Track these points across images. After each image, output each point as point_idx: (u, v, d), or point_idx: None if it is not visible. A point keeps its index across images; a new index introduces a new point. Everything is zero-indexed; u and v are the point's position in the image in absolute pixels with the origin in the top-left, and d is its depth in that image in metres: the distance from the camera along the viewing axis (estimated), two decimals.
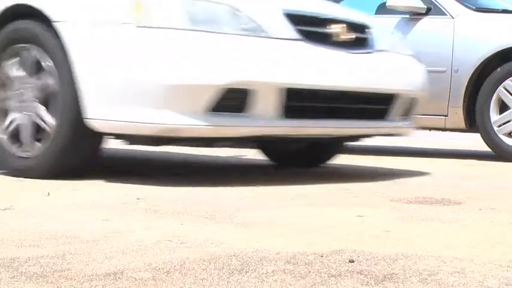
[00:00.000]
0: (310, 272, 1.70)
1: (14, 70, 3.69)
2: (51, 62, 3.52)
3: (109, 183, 3.41)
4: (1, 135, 3.70)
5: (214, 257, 1.84)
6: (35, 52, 3.59)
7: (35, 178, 3.51)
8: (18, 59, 3.68)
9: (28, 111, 3.60)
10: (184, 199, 2.88)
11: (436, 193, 3.41)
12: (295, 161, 4.72)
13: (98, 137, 3.52)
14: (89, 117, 3.36)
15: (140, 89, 3.21)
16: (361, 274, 1.69)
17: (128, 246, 1.95)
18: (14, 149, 3.65)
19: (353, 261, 1.81)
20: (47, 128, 3.52)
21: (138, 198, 2.87)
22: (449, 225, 2.38)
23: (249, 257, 1.84)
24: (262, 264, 1.77)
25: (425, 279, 1.66)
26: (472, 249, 2.00)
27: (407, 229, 2.29)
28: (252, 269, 1.72)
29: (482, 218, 2.54)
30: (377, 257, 1.86)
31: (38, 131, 3.58)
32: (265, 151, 4.81)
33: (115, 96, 3.28)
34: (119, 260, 1.79)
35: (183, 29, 3.25)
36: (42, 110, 3.56)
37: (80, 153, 3.57)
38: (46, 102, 3.56)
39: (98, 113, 3.34)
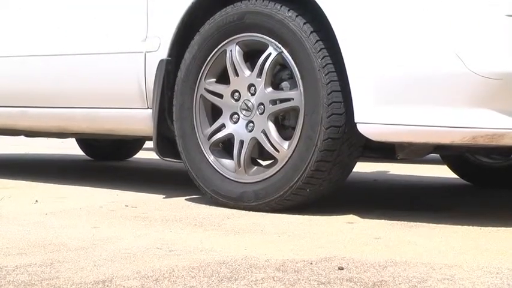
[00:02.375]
0: (299, 279, 1.70)
1: (241, 63, 2.85)
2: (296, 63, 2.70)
3: (97, 190, 3.39)
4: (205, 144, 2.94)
5: (203, 264, 1.83)
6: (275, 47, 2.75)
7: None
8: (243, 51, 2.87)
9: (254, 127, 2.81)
10: (173, 206, 2.87)
11: (425, 200, 3.42)
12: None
13: (357, 150, 2.71)
14: (358, 120, 2.54)
15: (439, 81, 2.42)
16: (351, 281, 1.69)
17: (116, 254, 1.94)
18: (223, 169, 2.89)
19: (342, 269, 1.81)
20: (275, 153, 2.75)
21: (126, 205, 2.86)
22: (438, 232, 2.38)
23: (239, 265, 1.83)
24: (252, 272, 1.76)
25: (415, 286, 1.66)
26: (461, 256, 2.00)
27: (397, 236, 2.30)
28: (241, 277, 1.71)
29: (471, 224, 2.54)
30: (366, 264, 1.86)
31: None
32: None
33: (396, 92, 2.48)
34: (108, 268, 1.79)
35: None
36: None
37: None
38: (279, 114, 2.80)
39: (369, 115, 2.52)
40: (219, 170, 2.87)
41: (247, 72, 2.82)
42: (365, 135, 2.56)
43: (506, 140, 2.44)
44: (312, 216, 2.64)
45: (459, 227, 2.50)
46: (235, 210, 2.77)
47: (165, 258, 1.90)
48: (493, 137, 2.43)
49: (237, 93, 2.85)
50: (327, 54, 2.62)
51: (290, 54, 2.70)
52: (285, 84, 2.77)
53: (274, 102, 2.76)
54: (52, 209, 2.76)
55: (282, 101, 2.74)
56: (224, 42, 2.87)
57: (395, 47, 2.48)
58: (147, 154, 6.25)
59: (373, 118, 2.51)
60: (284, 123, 2.80)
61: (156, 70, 3.03)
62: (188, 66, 2.95)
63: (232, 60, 2.84)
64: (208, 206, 2.87)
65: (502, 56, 2.39)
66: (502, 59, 2.38)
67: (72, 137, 4.35)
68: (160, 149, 3.05)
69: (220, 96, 2.89)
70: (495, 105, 2.41)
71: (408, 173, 4.89)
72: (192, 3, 2.93)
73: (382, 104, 2.50)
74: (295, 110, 2.72)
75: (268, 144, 2.75)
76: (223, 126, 2.89)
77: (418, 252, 2.04)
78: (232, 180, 2.83)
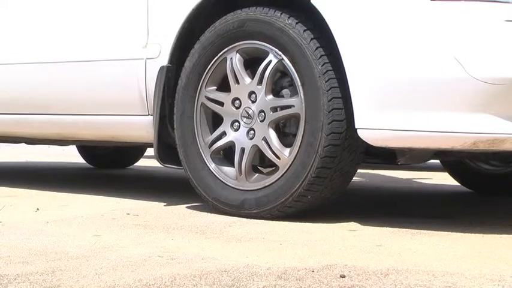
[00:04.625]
0: (301, 287, 1.70)
1: (241, 71, 2.85)
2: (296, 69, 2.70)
3: (98, 198, 3.39)
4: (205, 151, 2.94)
5: (205, 272, 1.83)
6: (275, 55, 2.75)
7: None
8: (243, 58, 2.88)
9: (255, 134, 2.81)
10: (174, 214, 2.87)
11: (426, 207, 3.42)
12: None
13: (358, 156, 2.71)
14: (358, 126, 2.54)
15: (440, 87, 2.42)
16: None
17: (118, 262, 1.94)
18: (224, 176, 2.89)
19: (344, 276, 1.81)
20: (276, 160, 2.75)
21: (128, 213, 2.86)
22: (439, 239, 2.38)
23: (240, 273, 1.83)
24: (253, 280, 1.76)
25: None
26: (463, 264, 1.99)
27: (398, 243, 2.29)
28: (243, 285, 1.71)
29: (473, 232, 2.54)
30: (368, 272, 1.86)
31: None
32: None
33: (397, 97, 2.48)
34: (109, 276, 1.78)
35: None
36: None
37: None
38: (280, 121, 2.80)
39: (369, 121, 2.51)
40: (220, 178, 2.87)
41: (248, 80, 2.82)
42: (365, 140, 2.56)
43: (507, 145, 2.43)
44: (313, 224, 2.63)
45: (461, 234, 2.49)
46: (236, 218, 2.77)
47: (167, 267, 1.89)
48: (493, 142, 2.42)
49: (237, 101, 2.85)
50: (327, 61, 2.62)
51: (290, 62, 2.70)
52: (285, 91, 2.77)
53: (275, 109, 2.76)
54: (53, 217, 2.76)
55: (283, 108, 2.74)
56: (224, 50, 2.87)
57: (395, 53, 2.49)
58: (148, 162, 6.25)
59: (373, 124, 2.51)
60: (285, 130, 2.80)
61: (157, 77, 3.04)
62: (189, 74, 2.95)
63: (232, 67, 2.85)
64: (209, 213, 2.87)
65: (502, 61, 2.39)
66: (502, 64, 2.39)
67: (73, 144, 4.36)
68: (161, 155, 3.06)
69: (221, 104, 2.89)
70: (495, 110, 2.41)
71: (409, 180, 4.88)
72: (193, 10, 2.94)
73: (382, 109, 2.50)
74: (296, 117, 2.72)
75: (269, 152, 2.75)
76: (224, 134, 2.89)
77: (420, 259, 2.04)
78: (234, 188, 2.83)
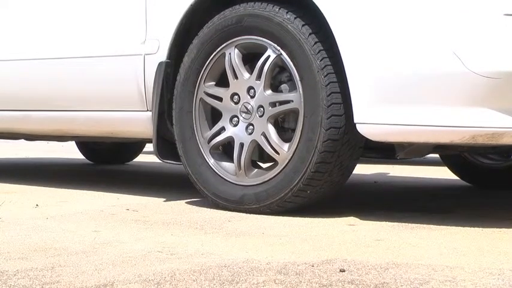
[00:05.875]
0: (301, 282, 1.70)
1: (240, 66, 2.85)
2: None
3: (97, 194, 3.39)
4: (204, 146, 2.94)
5: (204, 267, 1.83)
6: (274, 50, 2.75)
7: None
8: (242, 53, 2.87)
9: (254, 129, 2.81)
10: (174, 209, 2.87)
11: (426, 201, 3.42)
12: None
13: (357, 151, 2.71)
14: (357, 121, 2.54)
15: (439, 81, 2.41)
16: (353, 284, 1.69)
17: (117, 258, 1.94)
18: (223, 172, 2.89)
19: (344, 271, 1.81)
20: (275, 155, 2.74)
21: (127, 209, 2.86)
22: (439, 233, 2.38)
23: (240, 268, 1.83)
24: (253, 275, 1.76)
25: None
26: (463, 258, 2.00)
27: (398, 238, 2.29)
28: (242, 280, 1.71)
29: (472, 226, 2.54)
30: (368, 266, 1.86)
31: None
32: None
33: (395, 92, 2.47)
34: (109, 271, 1.78)
35: None
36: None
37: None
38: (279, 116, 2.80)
39: (368, 116, 2.51)
40: (219, 173, 2.87)
41: (247, 75, 2.82)
42: (364, 135, 2.56)
43: (506, 139, 2.43)
44: (312, 219, 2.64)
45: (460, 228, 2.50)
46: (236, 213, 2.77)
47: (166, 262, 1.89)
48: (492, 136, 2.42)
49: (236, 96, 2.85)
50: (326, 55, 2.62)
51: (289, 56, 2.70)
52: (284, 86, 2.77)
53: (273, 104, 2.76)
54: (53, 213, 2.76)
55: (282, 103, 2.74)
56: (223, 46, 2.87)
57: (394, 47, 2.48)
58: (147, 157, 6.25)
59: (372, 118, 2.51)
60: (284, 125, 2.80)
61: (155, 72, 3.04)
62: (187, 70, 2.95)
63: (231, 63, 2.85)
64: (208, 209, 2.87)
65: (501, 55, 2.39)
66: (500, 58, 2.38)
67: (72, 140, 4.36)
68: (160, 151, 3.06)
69: (220, 99, 2.89)
70: (494, 104, 2.41)
71: (408, 174, 4.89)
72: (191, 5, 2.94)
73: (381, 104, 2.50)
74: (294, 112, 2.72)
75: (268, 147, 2.75)
76: (223, 129, 2.89)
77: (420, 254, 2.04)
78: (233, 183, 2.83)
